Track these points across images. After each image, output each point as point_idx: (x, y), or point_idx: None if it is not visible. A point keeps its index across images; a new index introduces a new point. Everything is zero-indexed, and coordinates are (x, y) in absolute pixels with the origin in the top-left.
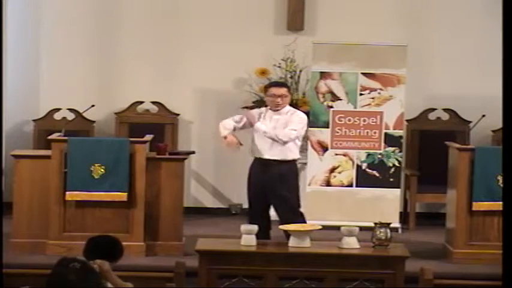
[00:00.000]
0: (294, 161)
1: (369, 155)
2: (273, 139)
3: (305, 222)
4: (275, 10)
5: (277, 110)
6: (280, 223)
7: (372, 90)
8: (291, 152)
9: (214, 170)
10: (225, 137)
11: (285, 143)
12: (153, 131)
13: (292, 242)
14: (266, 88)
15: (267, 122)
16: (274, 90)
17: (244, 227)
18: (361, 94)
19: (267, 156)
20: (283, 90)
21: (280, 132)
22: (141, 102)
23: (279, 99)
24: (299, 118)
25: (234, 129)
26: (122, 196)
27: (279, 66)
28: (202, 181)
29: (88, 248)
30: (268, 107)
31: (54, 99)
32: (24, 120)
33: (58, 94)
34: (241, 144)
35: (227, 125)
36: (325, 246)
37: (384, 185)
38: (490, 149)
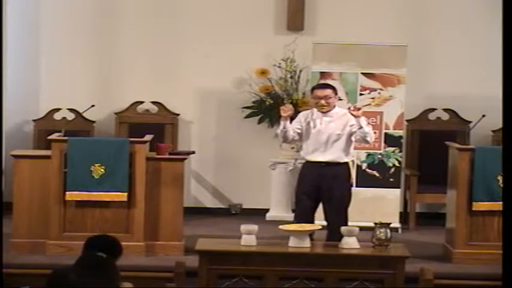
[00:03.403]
0: (345, 164)
1: (369, 155)
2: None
3: (347, 225)
4: (275, 10)
5: (324, 112)
6: (326, 222)
7: (372, 90)
8: (347, 154)
9: (214, 170)
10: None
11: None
12: (153, 131)
13: (292, 242)
14: (311, 91)
15: (317, 124)
16: (319, 92)
17: (244, 227)
18: (361, 94)
19: (322, 159)
20: (327, 92)
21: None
22: (141, 102)
23: (323, 101)
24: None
25: (293, 138)
26: (122, 196)
27: (279, 66)
28: (202, 181)
29: (87, 246)
30: (316, 110)
31: (54, 99)
32: (24, 120)
33: (58, 94)
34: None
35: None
36: (325, 246)
37: (384, 185)
38: (490, 149)
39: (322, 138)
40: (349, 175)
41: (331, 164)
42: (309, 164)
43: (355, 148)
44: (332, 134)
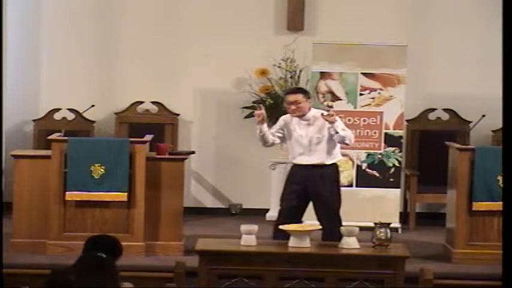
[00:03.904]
0: (333, 164)
1: (369, 155)
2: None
3: (341, 224)
4: (275, 10)
5: (298, 116)
6: (319, 224)
7: (372, 90)
8: (332, 155)
9: (214, 170)
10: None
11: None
12: (153, 131)
13: (292, 242)
14: (284, 96)
15: (297, 129)
16: (289, 98)
17: (244, 227)
18: (361, 94)
19: (307, 162)
20: (296, 97)
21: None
22: (141, 102)
23: (293, 106)
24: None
25: (273, 142)
26: (122, 196)
27: (279, 66)
28: (202, 181)
29: (87, 246)
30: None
31: (54, 99)
32: (24, 120)
33: (58, 94)
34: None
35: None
36: (325, 246)
37: (384, 185)
38: (490, 149)
39: (303, 142)
40: (337, 176)
41: (318, 166)
42: (296, 166)
43: (355, 148)
44: (312, 137)
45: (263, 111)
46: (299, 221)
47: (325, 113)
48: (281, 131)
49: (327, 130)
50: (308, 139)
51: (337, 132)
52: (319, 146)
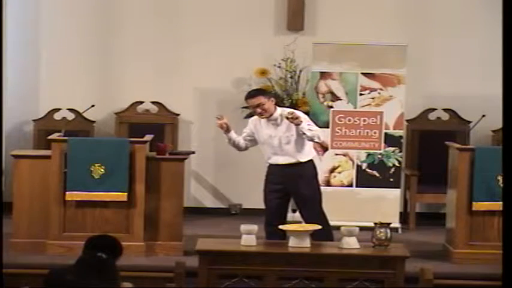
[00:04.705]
0: (310, 161)
1: (369, 155)
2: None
3: (327, 221)
4: (275, 10)
5: (265, 118)
6: (304, 221)
7: (372, 90)
8: (305, 152)
9: (214, 170)
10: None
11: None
12: (153, 131)
13: (292, 242)
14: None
15: (265, 130)
16: (250, 102)
17: (244, 227)
18: (361, 94)
19: (282, 162)
20: (258, 99)
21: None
22: (141, 102)
23: (259, 109)
24: (303, 117)
25: (246, 146)
26: (122, 196)
27: (279, 66)
28: (202, 181)
29: (87, 246)
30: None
31: (54, 99)
32: (24, 120)
33: (58, 94)
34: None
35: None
36: (325, 246)
37: (384, 185)
38: (490, 149)
39: (274, 142)
40: (315, 173)
41: (295, 165)
42: (273, 166)
43: (355, 148)
44: (282, 136)
45: (224, 120)
46: (285, 219)
47: (288, 113)
48: (251, 134)
49: (295, 128)
50: (278, 139)
51: (304, 133)
52: (290, 145)
